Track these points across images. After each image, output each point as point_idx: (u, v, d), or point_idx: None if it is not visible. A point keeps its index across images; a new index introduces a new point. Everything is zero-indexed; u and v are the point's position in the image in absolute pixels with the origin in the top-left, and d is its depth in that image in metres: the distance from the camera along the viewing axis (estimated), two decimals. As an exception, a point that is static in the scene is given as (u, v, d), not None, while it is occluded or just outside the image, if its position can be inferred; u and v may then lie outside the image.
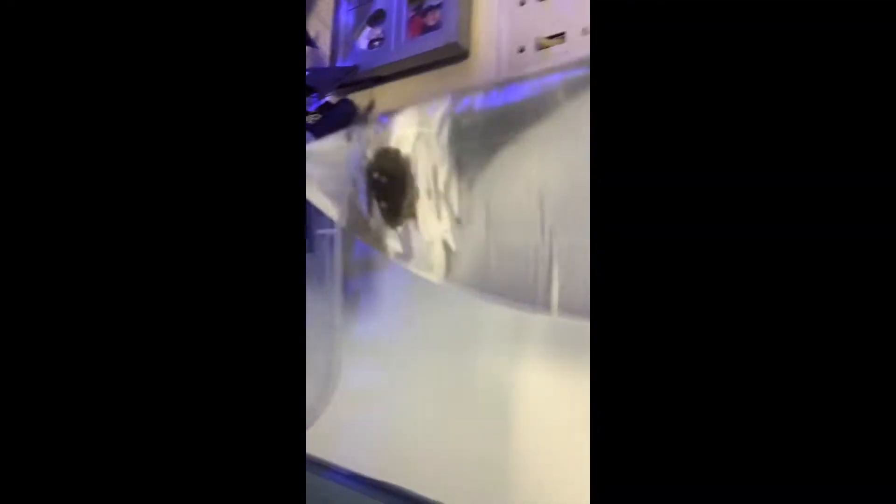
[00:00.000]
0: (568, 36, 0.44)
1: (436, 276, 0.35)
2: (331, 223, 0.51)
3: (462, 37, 0.50)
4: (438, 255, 0.35)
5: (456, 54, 0.51)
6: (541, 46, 0.45)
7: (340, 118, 0.55)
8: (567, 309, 0.31)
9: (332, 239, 0.53)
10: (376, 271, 0.55)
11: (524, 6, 0.47)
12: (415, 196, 0.36)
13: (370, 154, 0.39)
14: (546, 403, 0.44)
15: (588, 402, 0.23)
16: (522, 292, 0.32)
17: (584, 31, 0.43)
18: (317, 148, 0.43)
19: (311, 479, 0.53)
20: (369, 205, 0.39)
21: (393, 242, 0.37)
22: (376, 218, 0.38)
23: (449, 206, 0.34)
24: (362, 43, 0.57)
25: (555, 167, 0.31)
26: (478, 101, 0.35)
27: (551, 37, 0.45)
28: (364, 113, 0.57)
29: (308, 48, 0.60)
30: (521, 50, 0.47)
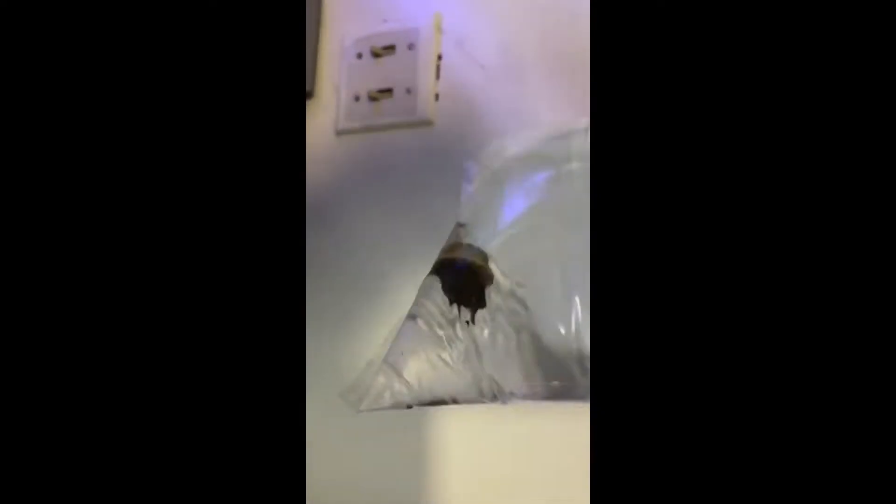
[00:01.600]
0: (395, 93, 0.50)
1: None
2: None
3: (306, 78, 0.55)
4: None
5: (300, 94, 0.56)
6: (371, 98, 0.51)
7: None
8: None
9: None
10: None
11: (361, 60, 0.52)
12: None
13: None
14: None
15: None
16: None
17: (407, 90, 0.49)
18: None
19: None
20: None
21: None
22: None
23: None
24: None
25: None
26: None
27: (381, 91, 0.51)
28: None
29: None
30: (357, 98, 0.52)
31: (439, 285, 0.32)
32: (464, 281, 0.32)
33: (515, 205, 0.33)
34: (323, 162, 0.53)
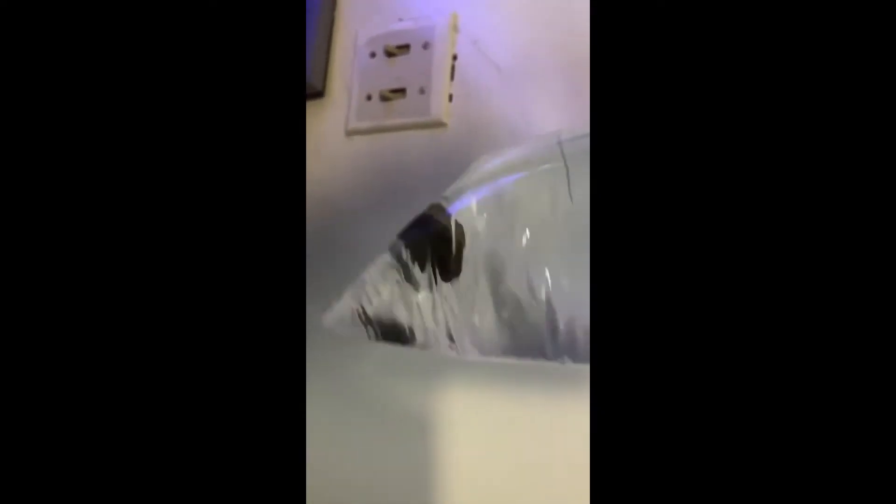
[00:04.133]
0: (408, 93, 0.49)
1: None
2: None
3: (317, 76, 0.54)
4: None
5: (311, 92, 0.55)
6: (384, 98, 0.50)
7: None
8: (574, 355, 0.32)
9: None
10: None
11: (374, 59, 0.51)
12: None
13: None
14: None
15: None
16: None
17: (421, 90, 0.48)
18: None
19: None
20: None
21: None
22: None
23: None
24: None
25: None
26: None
27: (393, 90, 0.50)
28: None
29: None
30: (369, 98, 0.51)
31: (416, 237, 0.36)
32: (434, 239, 0.35)
33: (491, 188, 0.36)
34: (333, 162, 0.52)
